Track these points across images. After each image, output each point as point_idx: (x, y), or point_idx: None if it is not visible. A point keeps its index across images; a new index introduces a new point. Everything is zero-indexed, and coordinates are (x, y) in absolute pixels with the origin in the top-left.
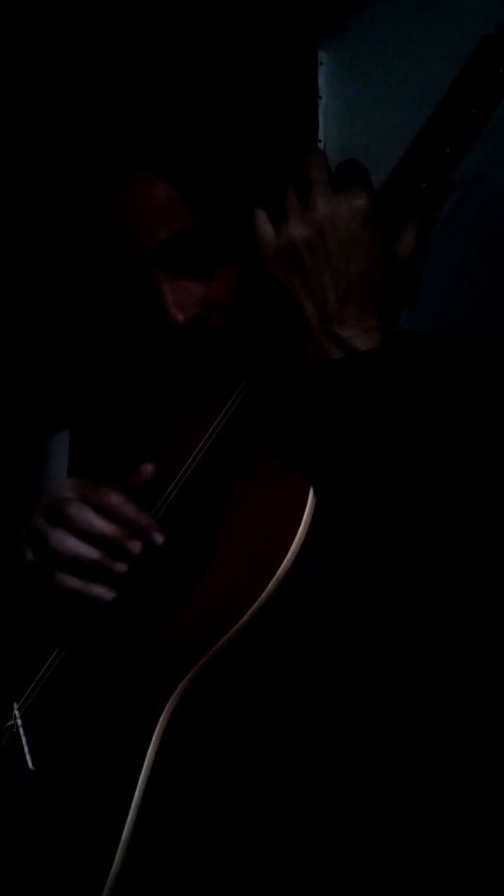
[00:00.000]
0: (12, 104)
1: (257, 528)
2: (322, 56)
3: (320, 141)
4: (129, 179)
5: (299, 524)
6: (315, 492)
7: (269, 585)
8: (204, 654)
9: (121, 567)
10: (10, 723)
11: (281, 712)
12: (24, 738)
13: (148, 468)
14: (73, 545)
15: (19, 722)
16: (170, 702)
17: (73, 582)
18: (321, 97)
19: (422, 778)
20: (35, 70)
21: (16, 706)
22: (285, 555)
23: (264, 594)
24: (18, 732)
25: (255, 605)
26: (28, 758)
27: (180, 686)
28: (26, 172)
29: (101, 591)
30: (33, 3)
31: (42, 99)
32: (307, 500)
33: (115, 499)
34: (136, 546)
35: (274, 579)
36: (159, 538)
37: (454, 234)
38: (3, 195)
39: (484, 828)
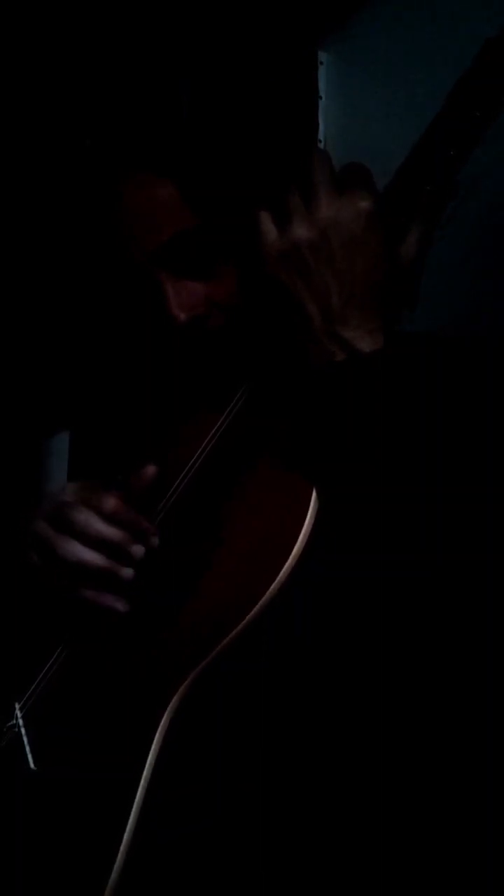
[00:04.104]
0: (12, 104)
1: (259, 529)
2: (322, 56)
3: (320, 141)
4: (130, 179)
5: (301, 525)
6: (317, 493)
7: (272, 586)
8: (206, 654)
9: (127, 573)
10: (11, 722)
11: (282, 712)
12: (25, 738)
13: (150, 470)
14: (82, 553)
15: (21, 722)
16: (171, 702)
17: (82, 591)
18: (321, 97)
19: (423, 777)
20: (35, 70)
21: (17, 706)
22: (287, 556)
23: (266, 595)
24: (20, 732)
25: (257, 605)
26: (29, 757)
27: (182, 687)
28: (27, 173)
29: (111, 600)
30: (33, 4)
31: (42, 99)
32: (309, 500)
33: (113, 502)
34: (139, 551)
35: (276, 580)
36: (155, 541)
37: (454, 234)
38: (3, 195)
39: (483, 827)
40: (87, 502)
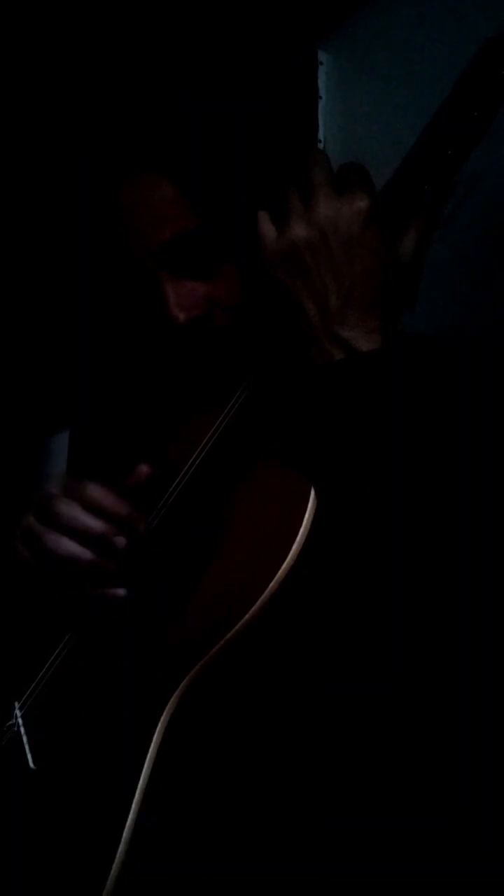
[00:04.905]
0: (15, 106)
1: (258, 528)
2: (322, 56)
3: (320, 141)
4: (132, 179)
5: (300, 524)
6: (316, 492)
7: (270, 585)
8: (205, 653)
9: (111, 565)
10: (11, 722)
11: (281, 710)
12: (25, 738)
13: (143, 469)
14: (68, 547)
15: (20, 721)
16: (171, 701)
17: (72, 583)
18: (321, 97)
19: (422, 775)
20: (37, 72)
21: (17, 705)
22: (286, 555)
23: (265, 594)
24: (20, 731)
25: (256, 604)
26: (29, 757)
27: (181, 685)
28: (29, 172)
29: (103, 592)
30: (35, 6)
31: (44, 100)
32: (308, 500)
33: (95, 492)
34: (122, 541)
35: (275, 579)
36: (141, 525)
37: (454, 234)
38: (6, 195)
39: (485, 827)
40: (72, 493)
